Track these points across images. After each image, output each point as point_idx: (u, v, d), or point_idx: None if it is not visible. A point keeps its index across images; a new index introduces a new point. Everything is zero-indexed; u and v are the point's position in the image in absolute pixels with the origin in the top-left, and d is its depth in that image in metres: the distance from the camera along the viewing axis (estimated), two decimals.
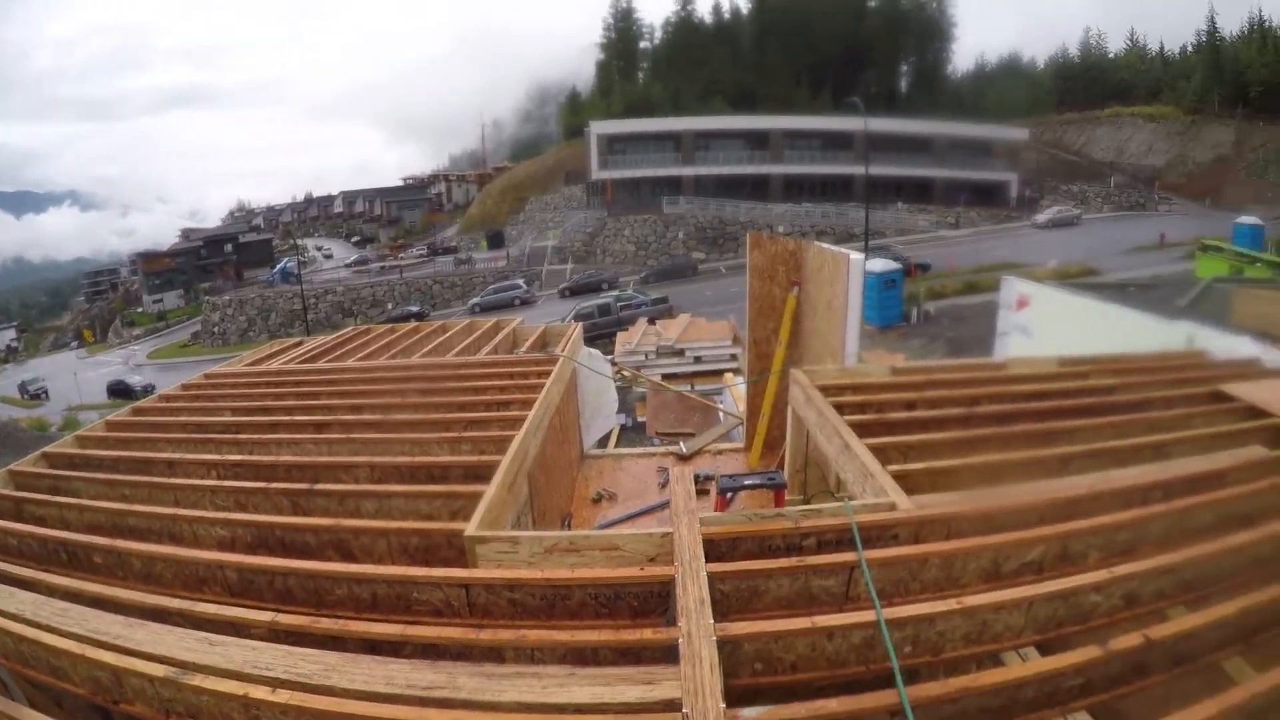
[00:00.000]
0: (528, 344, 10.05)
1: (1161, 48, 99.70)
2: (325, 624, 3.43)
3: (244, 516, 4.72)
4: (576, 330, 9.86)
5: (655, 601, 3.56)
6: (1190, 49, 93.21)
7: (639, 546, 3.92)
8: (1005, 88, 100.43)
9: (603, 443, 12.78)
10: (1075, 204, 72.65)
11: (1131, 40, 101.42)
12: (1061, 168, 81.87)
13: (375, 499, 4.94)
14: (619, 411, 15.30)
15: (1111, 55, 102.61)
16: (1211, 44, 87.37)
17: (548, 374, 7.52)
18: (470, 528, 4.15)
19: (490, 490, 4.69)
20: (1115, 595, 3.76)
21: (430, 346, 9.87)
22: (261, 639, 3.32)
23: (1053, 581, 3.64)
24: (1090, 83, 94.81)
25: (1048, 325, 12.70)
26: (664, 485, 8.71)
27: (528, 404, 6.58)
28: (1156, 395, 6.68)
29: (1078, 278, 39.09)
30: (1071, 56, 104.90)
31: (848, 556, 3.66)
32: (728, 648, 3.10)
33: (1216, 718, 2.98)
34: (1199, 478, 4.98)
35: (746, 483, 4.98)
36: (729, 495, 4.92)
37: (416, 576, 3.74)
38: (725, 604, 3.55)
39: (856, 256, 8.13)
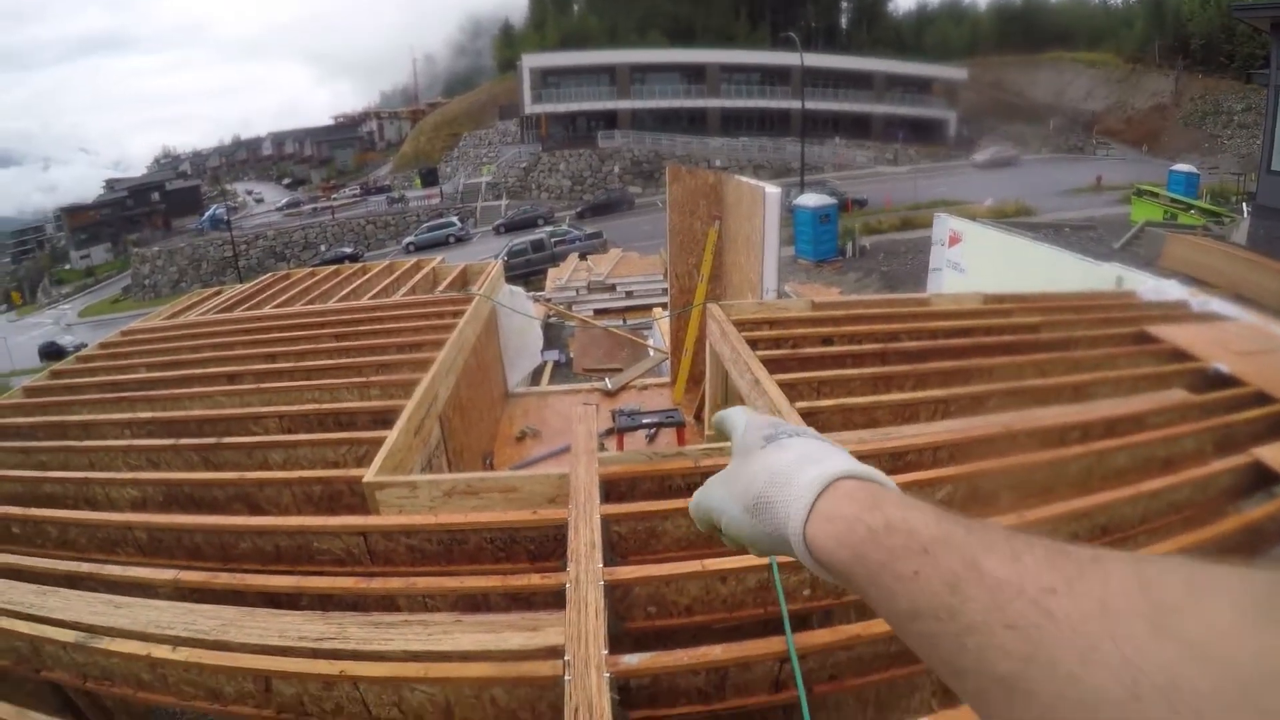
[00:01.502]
0: (445, 283, 9.80)
1: None
2: (224, 579, 3.33)
3: (153, 475, 4.58)
4: (496, 267, 9.60)
5: (553, 545, 3.47)
6: None
7: (537, 488, 3.82)
8: (946, 27, 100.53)
9: (536, 380, 12.60)
10: (1013, 144, 72.99)
11: None
12: (1000, 108, 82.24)
13: (282, 449, 4.81)
14: (551, 348, 15.13)
15: (1054, 1, 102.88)
16: None
17: (462, 313, 7.36)
18: (369, 474, 4.03)
19: (393, 435, 4.57)
20: None
21: (349, 289, 9.59)
22: (167, 598, 3.26)
23: None
24: (1031, 26, 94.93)
25: (981, 262, 12.74)
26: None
27: (439, 344, 6.44)
28: (1081, 335, 6.65)
29: (1014, 217, 39.56)
30: (1014, 0, 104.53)
31: None
32: (618, 592, 3.05)
33: None
34: (1118, 420, 4.98)
35: (644, 421, 4.82)
36: (640, 432, 4.75)
37: (314, 526, 3.64)
38: (622, 546, 3.49)
39: (773, 190, 7.95)
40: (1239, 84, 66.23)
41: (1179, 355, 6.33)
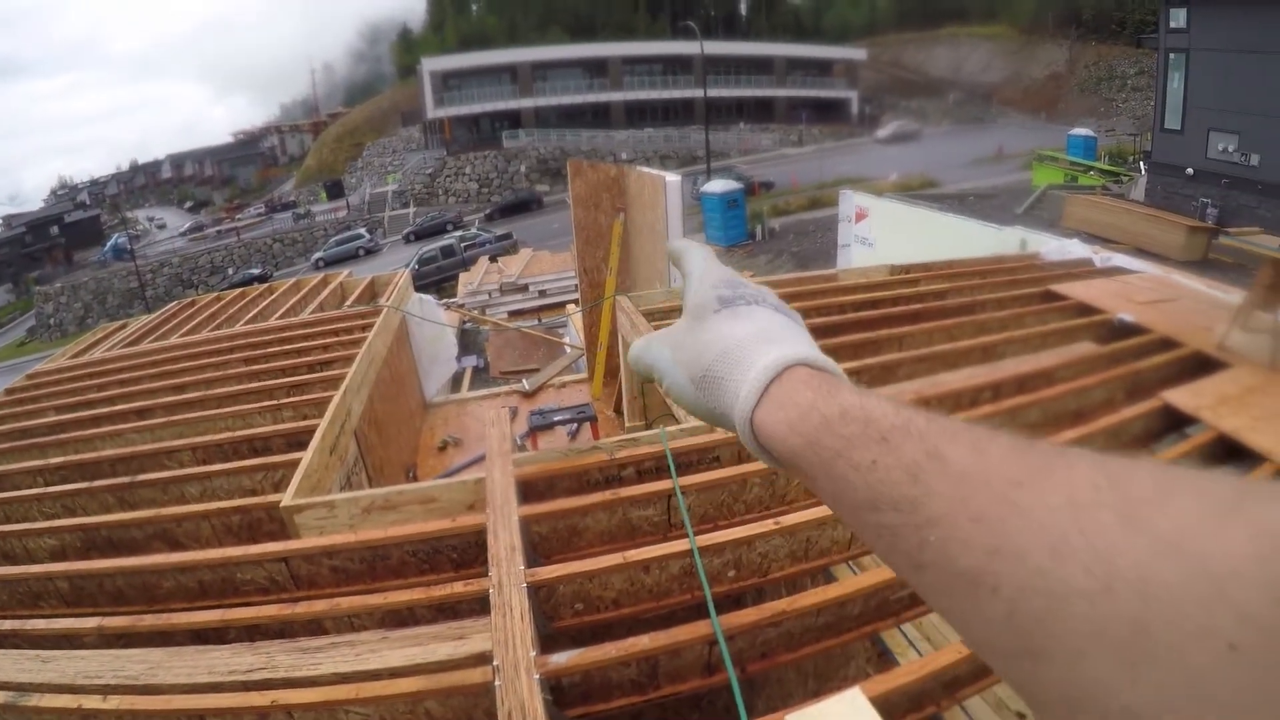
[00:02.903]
0: (354, 296, 9.64)
1: None
2: (149, 620, 3.26)
3: (69, 522, 4.44)
4: (403, 277, 9.49)
5: (475, 551, 3.44)
6: None
7: (455, 495, 3.80)
8: (844, 9, 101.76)
9: (456, 387, 12.48)
10: (915, 119, 74.32)
11: None
12: (900, 85, 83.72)
13: (198, 482, 4.71)
14: (469, 353, 15.00)
15: None
16: None
17: (371, 326, 7.30)
18: (286, 498, 3.97)
19: (308, 456, 4.51)
20: None
21: (256, 311, 9.40)
22: (93, 646, 3.18)
23: None
24: (927, 3, 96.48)
25: (889, 235, 12.94)
26: (511, 421, 8.52)
27: (350, 360, 6.37)
28: (988, 298, 6.78)
29: (919, 189, 40.25)
30: None
31: (665, 484, 3.61)
32: (542, 592, 3.05)
33: None
34: (1028, 376, 5.10)
35: (556, 419, 4.79)
36: (561, 430, 4.73)
37: (236, 557, 3.55)
38: (545, 546, 3.49)
39: (673, 178, 7.99)
40: (1131, 49, 68.12)
41: (1085, 310, 6.49)
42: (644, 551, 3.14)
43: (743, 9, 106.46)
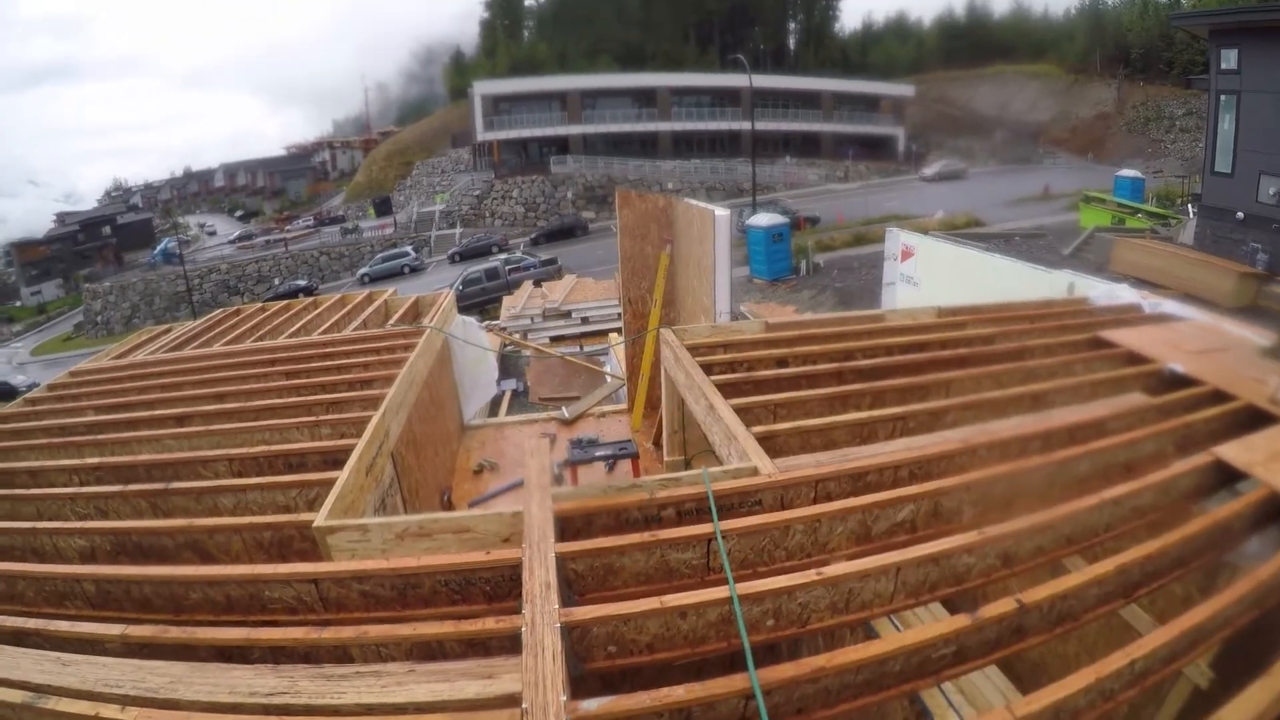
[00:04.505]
0: (397, 315, 9.67)
1: (1045, 10, 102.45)
2: (174, 633, 3.23)
3: (101, 524, 4.45)
4: (447, 298, 9.49)
5: (508, 585, 3.37)
6: (1073, 11, 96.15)
7: (491, 527, 3.74)
8: (891, 45, 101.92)
9: (494, 410, 12.47)
10: (961, 158, 73.96)
11: (1016, 2, 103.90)
12: (947, 123, 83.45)
13: (233, 494, 4.68)
14: (510, 377, 15.02)
15: (996, 17, 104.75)
16: (1094, 7, 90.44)
17: (413, 347, 7.26)
18: (319, 518, 3.94)
19: (344, 476, 4.48)
20: (990, 555, 3.70)
21: (299, 325, 9.44)
22: (115, 653, 3.15)
23: (920, 546, 3.53)
24: (975, 42, 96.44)
25: (934, 275, 12.77)
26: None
27: (390, 380, 6.34)
28: (1036, 343, 6.66)
29: (964, 228, 40.01)
30: (957, 17, 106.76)
31: (705, 528, 3.53)
32: (575, 633, 2.97)
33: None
34: (1078, 427, 4.99)
35: (597, 454, 4.73)
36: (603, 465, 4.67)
37: (265, 575, 3.51)
38: (580, 583, 3.42)
39: (722, 213, 7.94)
40: (1179, 90, 67.76)
41: (1134, 358, 6.34)
42: (681, 597, 3.06)
43: (791, 43, 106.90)
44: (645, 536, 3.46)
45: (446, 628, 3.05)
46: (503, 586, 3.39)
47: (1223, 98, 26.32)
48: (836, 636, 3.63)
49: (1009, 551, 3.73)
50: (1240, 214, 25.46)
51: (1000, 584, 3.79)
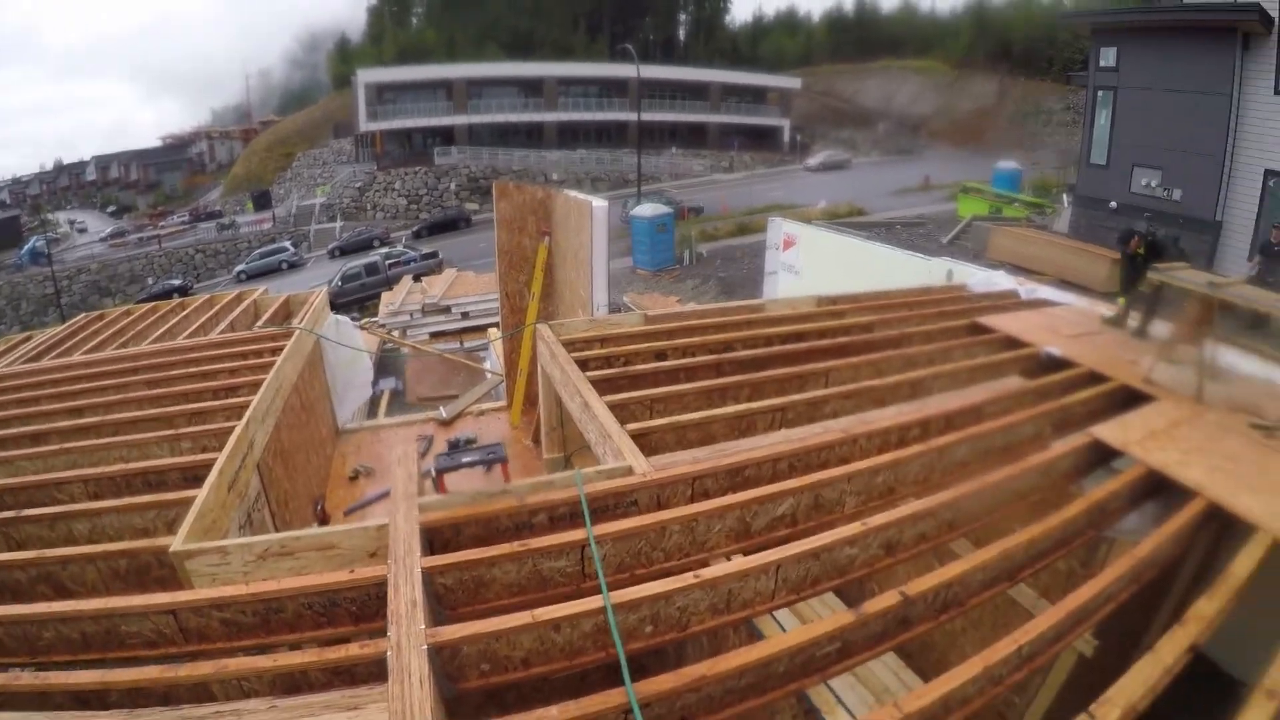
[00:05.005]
0: (267, 316, 9.29)
1: (933, 7, 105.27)
2: (26, 680, 2.97)
3: None
4: (319, 297, 9.17)
5: (375, 604, 3.23)
6: (959, 8, 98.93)
7: (356, 542, 3.60)
8: (781, 39, 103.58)
9: (373, 411, 12.14)
10: (845, 148, 75.49)
11: None
12: (832, 115, 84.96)
13: (87, 519, 4.40)
14: (388, 376, 14.63)
15: (884, 12, 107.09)
16: (979, 5, 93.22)
17: (281, 350, 7.00)
18: (176, 541, 3.72)
19: (203, 493, 4.26)
20: (873, 546, 3.70)
21: (164, 329, 8.98)
22: None
23: (800, 542, 3.50)
24: (863, 36, 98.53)
25: (816, 263, 12.92)
26: (423, 455, 8.28)
27: (256, 386, 6.09)
28: (915, 330, 6.75)
29: (846, 217, 40.69)
30: (846, 12, 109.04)
31: (578, 534, 3.44)
32: (445, 653, 2.84)
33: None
34: (957, 413, 5.06)
35: (464, 461, 4.55)
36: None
37: (120, 608, 3.26)
38: (451, 598, 3.29)
39: (600, 204, 7.84)
40: (1059, 85, 69.98)
41: (1012, 343, 6.48)
42: (554, 610, 2.96)
43: (681, 34, 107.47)
44: (516, 547, 3.34)
45: (310, 657, 2.89)
46: (370, 606, 3.24)
47: (1100, 93, 27.55)
48: (720, 637, 3.56)
49: (891, 540, 3.73)
50: (1114, 203, 26.66)
51: (885, 572, 3.81)
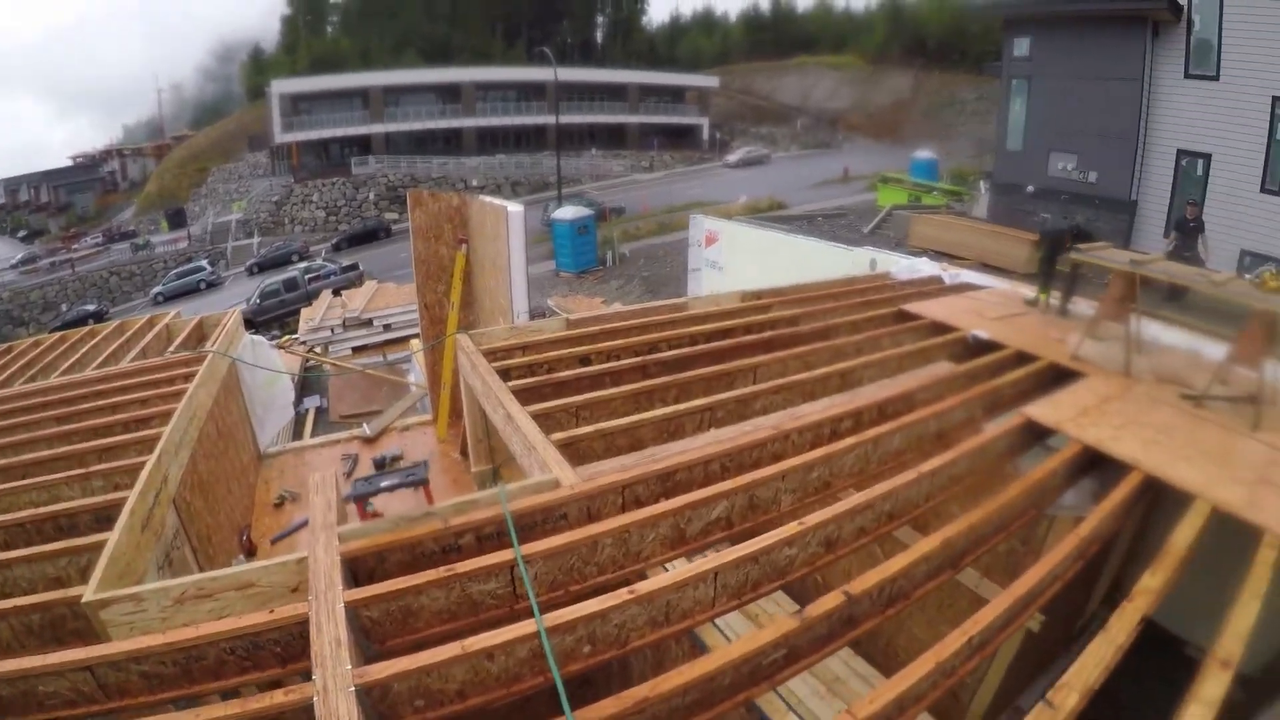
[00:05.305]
0: (179, 340, 8.96)
1: (847, 4, 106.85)
2: None
3: None
4: (232, 318, 8.88)
5: (300, 644, 3.04)
6: (873, 5, 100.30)
7: (276, 578, 3.39)
8: (699, 39, 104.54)
9: (298, 432, 11.85)
10: (765, 144, 76.18)
11: None
12: (751, 112, 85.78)
13: None
14: (311, 394, 14.31)
15: (800, 10, 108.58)
16: (893, 2, 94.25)
17: (194, 376, 6.73)
18: (88, 591, 3.47)
19: (115, 536, 4.02)
20: (812, 544, 3.65)
21: (74, 359, 8.66)
22: None
23: (736, 547, 3.44)
24: (779, 34, 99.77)
25: (739, 259, 12.93)
26: (349, 475, 8.06)
27: (167, 417, 5.82)
28: (841, 321, 6.75)
29: (768, 211, 41.02)
30: (762, 11, 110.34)
31: (506, 555, 3.29)
32: (375, 693, 2.70)
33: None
34: (888, 402, 5.07)
35: (383, 485, 4.37)
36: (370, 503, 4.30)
37: (34, 668, 3.00)
38: (378, 631, 3.13)
39: (515, 209, 7.70)
40: (972, 77, 71.26)
41: (939, 328, 6.52)
42: (485, 639, 2.83)
43: (599, 36, 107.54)
44: (442, 573, 3.19)
45: (232, 709, 2.70)
46: (294, 646, 3.06)
47: (1014, 82, 28.54)
48: (662, 649, 3.45)
49: (831, 536, 3.69)
50: (1031, 187, 27.62)
51: (827, 569, 3.76)
